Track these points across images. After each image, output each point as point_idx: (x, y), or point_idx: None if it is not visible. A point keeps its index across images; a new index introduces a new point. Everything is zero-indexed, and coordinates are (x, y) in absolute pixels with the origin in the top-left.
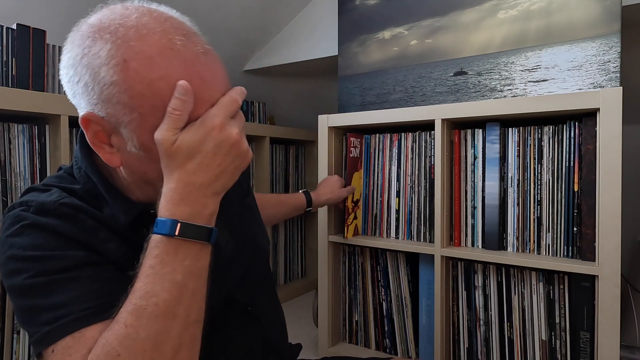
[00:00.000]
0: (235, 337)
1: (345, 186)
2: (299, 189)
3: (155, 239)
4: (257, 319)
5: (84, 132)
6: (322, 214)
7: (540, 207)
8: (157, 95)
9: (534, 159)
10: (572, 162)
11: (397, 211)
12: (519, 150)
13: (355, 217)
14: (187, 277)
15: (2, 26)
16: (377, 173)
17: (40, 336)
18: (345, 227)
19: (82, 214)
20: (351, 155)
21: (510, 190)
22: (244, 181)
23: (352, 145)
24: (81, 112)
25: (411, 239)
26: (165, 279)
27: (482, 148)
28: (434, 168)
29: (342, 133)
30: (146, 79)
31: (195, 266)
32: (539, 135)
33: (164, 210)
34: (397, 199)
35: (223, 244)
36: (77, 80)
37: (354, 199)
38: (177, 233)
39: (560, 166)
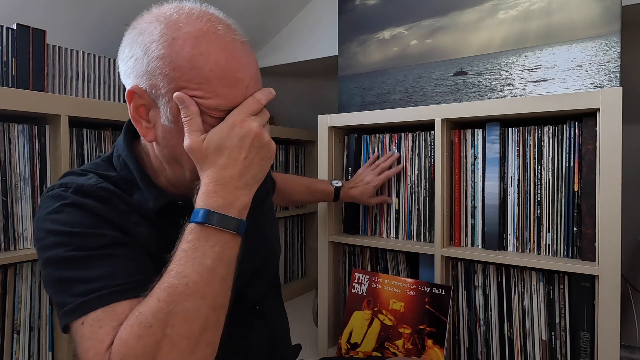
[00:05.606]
0: (244, 331)
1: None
2: None
3: (190, 227)
4: (265, 317)
5: (128, 105)
6: (322, 213)
7: (540, 207)
8: (195, 68)
9: (534, 159)
10: (572, 162)
11: (397, 211)
12: (519, 150)
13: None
14: (216, 262)
15: (2, 26)
16: None
17: (73, 307)
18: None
19: (116, 198)
20: (353, 291)
21: (510, 190)
22: (262, 187)
23: (356, 280)
24: (128, 87)
25: (411, 239)
26: (196, 262)
27: (482, 148)
28: (434, 168)
29: (342, 133)
30: (188, 54)
31: (224, 253)
32: (539, 135)
33: (199, 202)
34: (397, 199)
35: None
36: (130, 56)
37: (351, 340)
38: (208, 221)
39: (560, 166)
